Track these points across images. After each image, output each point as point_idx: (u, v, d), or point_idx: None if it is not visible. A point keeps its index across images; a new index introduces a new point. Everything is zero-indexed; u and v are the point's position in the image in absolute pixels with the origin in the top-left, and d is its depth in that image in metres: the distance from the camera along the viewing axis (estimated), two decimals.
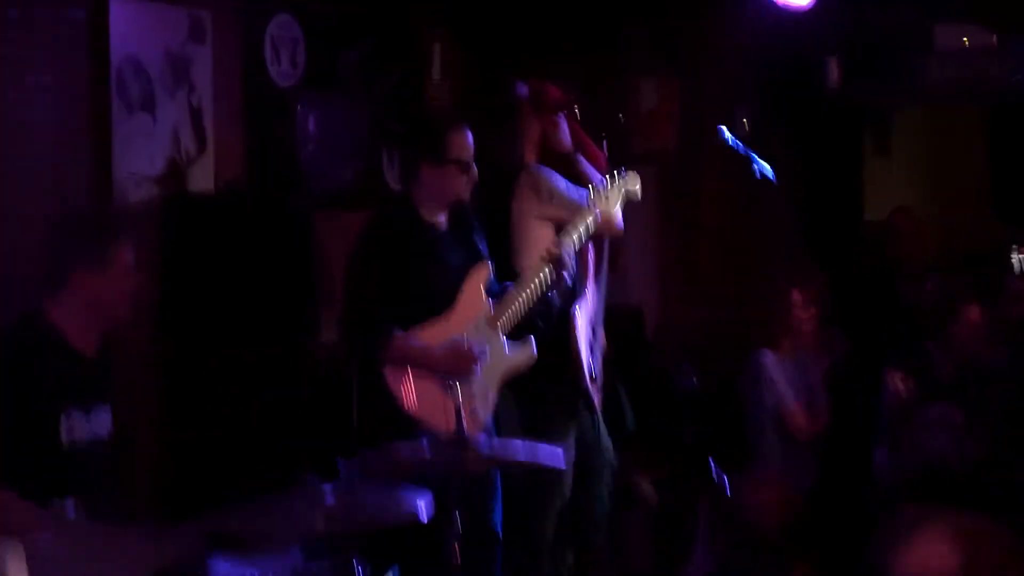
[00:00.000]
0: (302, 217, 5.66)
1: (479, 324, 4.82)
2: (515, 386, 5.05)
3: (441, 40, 7.06)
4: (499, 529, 4.93)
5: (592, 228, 5.04)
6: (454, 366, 4.70)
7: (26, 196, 4.92)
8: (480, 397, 4.79)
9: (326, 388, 5.33)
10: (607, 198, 5.10)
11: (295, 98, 6.13)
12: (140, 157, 5.43)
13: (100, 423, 3.98)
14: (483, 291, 4.88)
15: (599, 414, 5.41)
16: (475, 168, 4.86)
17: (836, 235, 7.34)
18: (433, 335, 4.76)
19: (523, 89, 5.43)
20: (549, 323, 5.10)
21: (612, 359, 5.54)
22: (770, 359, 6.03)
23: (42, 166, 5.05)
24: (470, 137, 4.87)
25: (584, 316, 5.31)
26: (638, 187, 5.24)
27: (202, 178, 5.68)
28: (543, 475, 5.03)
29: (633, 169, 5.33)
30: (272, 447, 5.15)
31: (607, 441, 5.47)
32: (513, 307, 4.87)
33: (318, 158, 6.19)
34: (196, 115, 5.68)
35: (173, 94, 5.58)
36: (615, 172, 5.21)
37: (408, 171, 4.94)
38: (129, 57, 5.38)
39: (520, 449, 4.22)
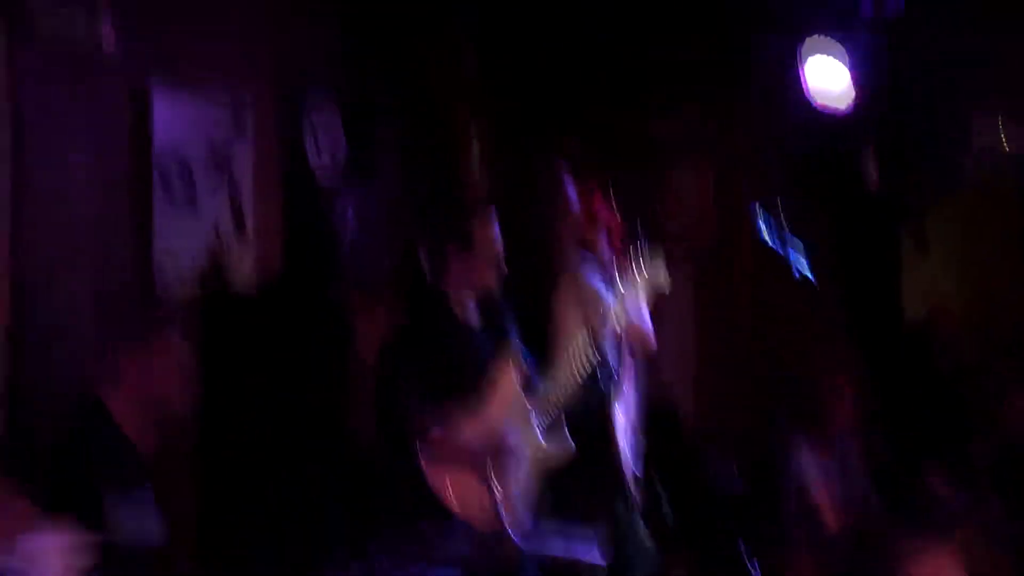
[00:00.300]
0: (340, 306, 5.69)
1: (513, 416, 4.80)
2: (551, 483, 5.04)
3: (478, 131, 7.11)
4: None
5: (622, 320, 5.04)
6: (493, 459, 4.68)
7: (68, 283, 4.96)
8: (518, 490, 4.76)
9: (359, 472, 5.32)
10: (634, 284, 5.11)
11: (334, 189, 6.18)
12: (181, 247, 5.48)
13: (143, 513, 3.97)
14: (516, 382, 4.86)
15: (637, 513, 5.38)
16: (502, 256, 4.87)
17: (876, 329, 7.31)
18: (468, 428, 4.74)
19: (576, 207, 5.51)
20: (589, 420, 5.10)
21: (650, 457, 5.52)
22: (805, 449, 5.97)
23: (83, 258, 5.10)
24: (497, 225, 4.89)
25: (624, 414, 5.31)
26: (664, 279, 5.23)
27: (242, 268, 5.72)
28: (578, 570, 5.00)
29: (669, 265, 5.34)
30: (305, 529, 5.14)
31: (646, 541, 5.44)
32: (549, 399, 4.86)
33: (357, 248, 6.23)
34: (237, 207, 5.74)
35: (214, 187, 5.64)
36: (641, 265, 5.22)
37: (437, 261, 4.95)
38: (172, 151, 5.45)
39: (557, 544, 4.19)
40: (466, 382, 4.78)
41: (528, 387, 4.88)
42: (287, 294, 5.60)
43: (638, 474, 5.31)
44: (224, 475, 5.33)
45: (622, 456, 5.23)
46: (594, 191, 5.49)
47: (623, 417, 5.29)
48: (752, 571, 3.90)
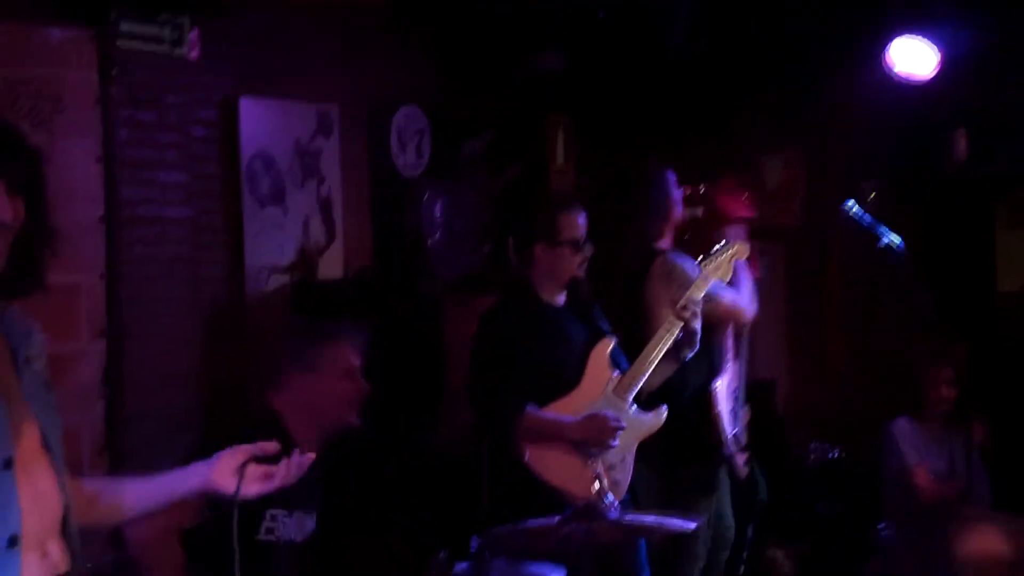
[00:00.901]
0: (430, 302, 5.73)
1: (607, 395, 4.86)
2: (655, 460, 5.10)
3: (563, 126, 7.15)
4: None
5: (703, 294, 5.08)
6: (594, 436, 4.74)
7: (160, 287, 5.06)
8: (618, 464, 4.82)
9: (457, 467, 5.36)
10: (719, 267, 5.16)
11: (421, 187, 6.23)
12: (271, 248, 5.55)
13: (298, 527, 3.94)
14: (608, 363, 4.92)
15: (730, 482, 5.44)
16: (588, 247, 4.94)
17: (970, 308, 7.22)
18: (562, 410, 4.80)
19: (698, 211, 5.57)
20: (689, 396, 5.15)
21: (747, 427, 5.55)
22: (906, 427, 5.91)
23: (178, 259, 5.20)
24: (582, 217, 4.96)
25: (726, 389, 5.36)
26: (747, 255, 5.30)
27: (332, 266, 5.79)
28: (678, 543, 5.02)
29: (760, 244, 5.38)
30: (405, 528, 5.18)
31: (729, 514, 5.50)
32: (640, 375, 4.91)
33: (444, 244, 6.27)
34: (325, 206, 5.81)
35: (302, 186, 5.71)
36: (724, 242, 5.29)
37: (524, 253, 5.02)
38: (260, 152, 5.52)
39: (651, 517, 4.21)
40: (558, 365, 4.85)
41: (619, 366, 4.94)
42: (377, 290, 5.64)
43: (740, 441, 5.37)
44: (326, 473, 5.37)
45: (723, 427, 5.29)
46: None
47: (724, 392, 5.35)
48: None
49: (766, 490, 5.72)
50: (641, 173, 5.64)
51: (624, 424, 4.82)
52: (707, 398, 5.31)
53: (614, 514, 3.95)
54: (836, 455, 6.16)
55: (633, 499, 4.99)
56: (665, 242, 5.48)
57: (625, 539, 4.45)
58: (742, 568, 5.77)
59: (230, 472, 2.81)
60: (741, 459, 5.41)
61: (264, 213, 5.52)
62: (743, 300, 5.46)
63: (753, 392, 5.60)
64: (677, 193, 5.54)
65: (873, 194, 6.67)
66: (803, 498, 6.19)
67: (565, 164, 7.16)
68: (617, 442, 4.80)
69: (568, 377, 4.85)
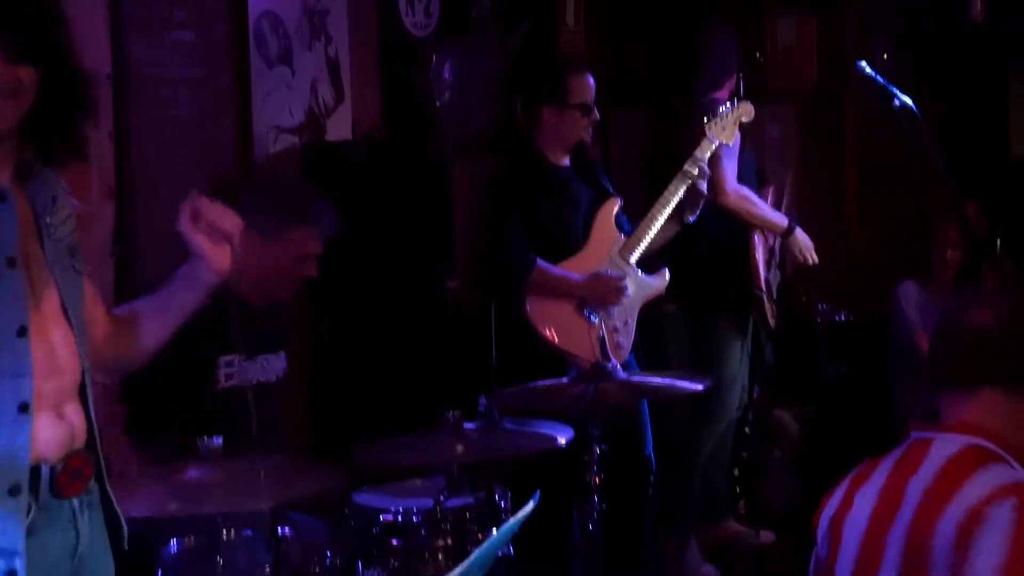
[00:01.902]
0: (439, 164, 5.71)
1: (612, 257, 4.90)
2: (687, 307, 5.18)
3: None
4: (651, 456, 5.00)
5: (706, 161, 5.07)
6: (600, 295, 4.79)
7: (169, 147, 5.04)
8: (622, 328, 4.86)
9: (465, 329, 5.39)
10: (724, 128, 5.14)
11: (430, 47, 6.18)
12: (279, 110, 5.52)
13: (264, 369, 4.05)
14: (613, 225, 4.94)
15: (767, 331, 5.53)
16: (596, 111, 4.92)
17: (982, 170, 7.18)
18: (568, 267, 4.84)
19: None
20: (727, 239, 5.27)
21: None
22: (913, 290, 5.92)
23: (186, 121, 5.17)
24: (591, 80, 4.94)
25: (763, 238, 5.41)
26: (751, 115, 5.28)
27: (340, 128, 5.76)
28: (705, 397, 5.09)
29: (772, 106, 5.38)
30: (414, 387, 5.22)
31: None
32: (644, 237, 4.92)
33: (454, 105, 6.23)
34: (333, 66, 5.76)
35: (310, 46, 5.66)
36: (730, 102, 5.26)
37: (531, 115, 5.00)
38: (266, 11, 5.46)
39: (659, 377, 4.26)
40: (565, 226, 4.87)
41: (623, 228, 4.96)
42: (385, 151, 5.62)
43: (773, 292, 5.43)
44: (329, 333, 5.41)
45: (760, 269, 5.35)
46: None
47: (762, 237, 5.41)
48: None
49: (773, 352, 5.77)
50: (702, 32, 5.63)
51: (628, 285, 4.85)
52: (745, 244, 5.38)
53: (622, 374, 4.00)
54: (843, 318, 6.19)
55: (658, 353, 5.08)
56: (722, 97, 5.47)
57: (634, 400, 4.50)
58: (747, 430, 5.85)
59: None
60: (770, 308, 5.47)
61: (272, 74, 5.48)
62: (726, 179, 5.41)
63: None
64: (733, 46, 5.53)
65: (886, 55, 6.61)
66: (810, 360, 6.23)
67: (576, 25, 7.08)
68: (624, 300, 4.84)
69: (574, 239, 4.89)
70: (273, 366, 4.09)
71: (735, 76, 5.59)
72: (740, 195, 5.40)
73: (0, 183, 2.52)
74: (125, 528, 2.71)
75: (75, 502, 2.58)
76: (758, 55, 6.93)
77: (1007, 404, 2.67)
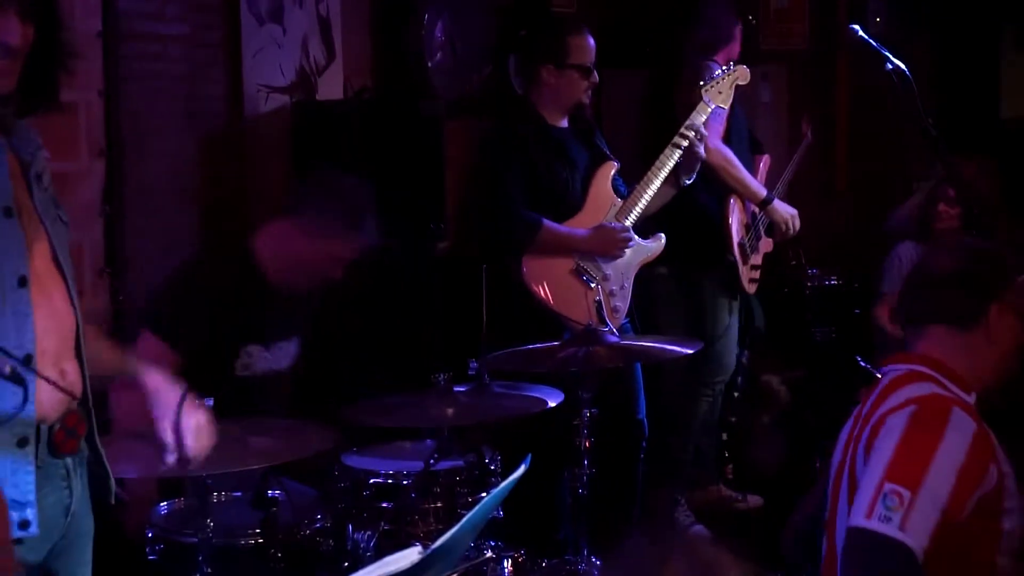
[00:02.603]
0: (431, 123, 5.68)
1: (609, 219, 4.87)
2: (675, 269, 5.18)
3: None
4: (644, 419, 5.01)
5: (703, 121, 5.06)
6: (604, 246, 4.77)
7: (159, 106, 5.01)
8: (618, 291, 4.86)
9: (457, 289, 5.38)
10: (720, 92, 5.12)
11: (422, 5, 6.13)
12: (270, 68, 5.48)
13: (279, 357, 4.06)
14: (610, 188, 4.92)
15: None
16: (596, 73, 4.89)
17: (975, 129, 7.18)
18: (563, 228, 4.83)
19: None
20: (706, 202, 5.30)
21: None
22: (908, 249, 5.87)
23: (176, 78, 5.14)
24: (591, 41, 4.90)
25: (740, 202, 5.42)
26: (747, 79, 5.26)
27: (331, 87, 5.73)
28: (699, 357, 5.11)
29: (765, 68, 5.35)
30: (404, 348, 5.22)
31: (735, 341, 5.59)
32: (640, 200, 4.91)
33: (446, 64, 6.19)
34: (324, 24, 5.72)
35: (301, 4, 5.61)
36: (726, 65, 5.24)
37: (529, 75, 4.97)
38: None
39: (651, 340, 4.27)
40: (563, 187, 4.84)
41: (619, 191, 4.94)
42: (376, 111, 5.59)
43: (748, 252, 5.44)
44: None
45: (732, 233, 5.36)
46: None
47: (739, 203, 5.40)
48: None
49: (763, 317, 5.78)
50: None
51: (633, 236, 4.84)
52: (723, 206, 5.38)
53: (613, 338, 4.01)
54: (833, 282, 6.19)
55: (652, 316, 5.07)
56: (716, 62, 5.44)
57: (625, 363, 4.50)
58: (737, 394, 5.86)
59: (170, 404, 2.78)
60: (748, 273, 5.47)
61: (263, 31, 5.44)
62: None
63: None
64: (729, 9, 5.50)
65: (879, 19, 6.60)
66: (799, 324, 6.23)
67: None
68: (615, 267, 4.83)
69: (572, 200, 4.86)
70: (287, 353, 4.07)
71: (730, 42, 5.56)
72: (721, 154, 5.39)
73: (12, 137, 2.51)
74: (113, 484, 2.71)
75: (69, 461, 2.58)
76: (750, 17, 6.91)
77: (954, 339, 2.96)
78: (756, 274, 5.55)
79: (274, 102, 5.48)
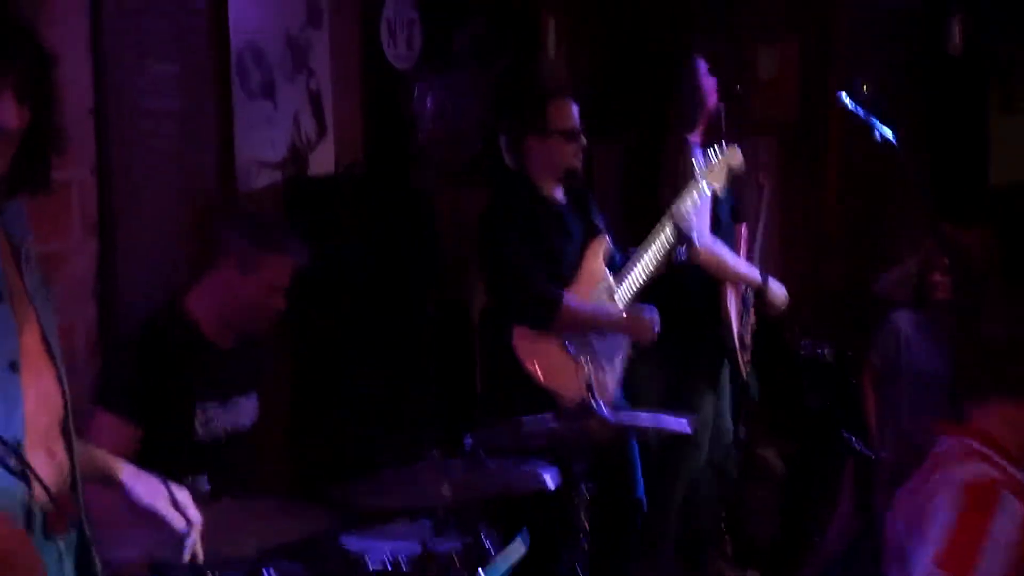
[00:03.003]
0: (423, 196, 5.70)
1: (599, 295, 4.87)
2: (658, 357, 5.15)
3: (555, 16, 7.06)
4: (642, 497, 4.98)
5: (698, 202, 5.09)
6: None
7: (152, 182, 5.01)
8: (608, 367, 4.84)
9: (450, 360, 5.38)
10: (714, 171, 5.17)
11: (412, 79, 6.17)
12: (262, 142, 5.49)
13: (239, 413, 4.02)
14: (602, 263, 4.92)
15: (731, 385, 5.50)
16: (583, 137, 4.90)
17: (965, 194, 7.20)
18: None
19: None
20: (699, 292, 5.19)
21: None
22: (906, 320, 5.81)
23: (167, 153, 5.14)
24: (573, 106, 4.92)
25: (734, 289, 5.39)
26: (741, 161, 5.30)
27: (323, 161, 5.74)
28: (677, 439, 5.09)
29: (754, 138, 5.37)
30: (397, 423, 5.20)
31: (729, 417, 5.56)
32: (632, 277, 4.91)
33: (437, 137, 6.22)
34: (315, 99, 5.74)
35: (293, 79, 5.64)
36: (719, 146, 5.27)
37: (516, 146, 4.97)
38: (249, 43, 5.43)
39: (645, 417, 4.25)
40: (559, 262, 4.84)
41: (613, 264, 4.95)
42: (368, 182, 5.61)
43: (746, 342, 5.41)
44: (310, 369, 5.39)
45: (732, 322, 5.34)
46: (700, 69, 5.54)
47: (733, 289, 5.39)
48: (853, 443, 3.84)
49: (757, 389, 5.76)
50: (671, 61, 5.61)
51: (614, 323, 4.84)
52: (717, 296, 5.35)
53: (607, 413, 3.99)
54: (824, 353, 6.18)
55: (630, 398, 5.03)
56: (696, 136, 5.45)
57: (619, 438, 4.49)
58: (732, 469, 5.84)
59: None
60: (744, 357, 5.46)
61: (254, 106, 5.46)
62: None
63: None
64: (709, 82, 5.49)
65: (866, 86, 6.63)
66: (793, 396, 6.23)
67: (557, 55, 7.09)
68: (616, 363, 4.84)
69: (565, 275, 4.85)
70: (246, 410, 4.06)
71: (710, 116, 5.55)
72: (712, 252, 5.36)
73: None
74: (99, 567, 2.68)
75: (61, 544, 2.56)
76: (738, 87, 6.95)
77: (1014, 412, 2.87)
78: (749, 355, 5.53)
79: (266, 177, 5.49)
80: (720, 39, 7.04)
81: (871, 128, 5.61)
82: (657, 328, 4.83)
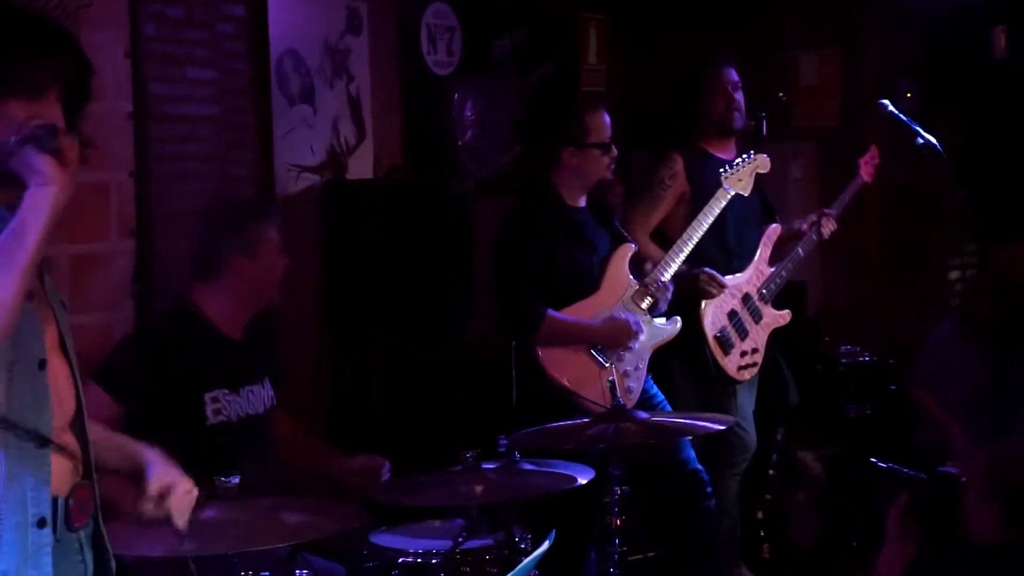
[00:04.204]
0: (461, 202, 5.70)
1: (625, 302, 4.89)
2: (687, 359, 5.12)
3: (596, 24, 7.07)
4: (701, 468, 4.97)
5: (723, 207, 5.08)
6: (613, 339, 4.77)
7: (191, 187, 5.03)
8: (632, 372, 4.84)
9: (486, 369, 5.37)
10: (740, 179, 5.15)
11: (451, 85, 6.18)
12: (301, 148, 5.52)
13: (251, 401, 4.04)
14: (627, 270, 4.93)
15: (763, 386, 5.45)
16: (615, 148, 4.91)
17: (1006, 210, 7.12)
18: (580, 314, 4.82)
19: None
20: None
21: (776, 334, 5.51)
22: (947, 330, 5.71)
23: (206, 158, 5.17)
24: (607, 118, 4.92)
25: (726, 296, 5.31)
26: (768, 168, 5.27)
27: (361, 166, 5.76)
28: (724, 437, 5.05)
29: (796, 145, 5.34)
30: (433, 427, 5.19)
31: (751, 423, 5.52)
32: (657, 283, 4.91)
33: (475, 144, 6.23)
34: (354, 105, 5.76)
35: (332, 85, 5.67)
36: (746, 154, 5.25)
37: (552, 158, 4.96)
38: (288, 50, 5.47)
39: (679, 417, 4.23)
40: (581, 269, 4.85)
41: (639, 271, 4.95)
42: (406, 190, 5.61)
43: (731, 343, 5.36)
44: (347, 372, 5.39)
45: (706, 330, 5.28)
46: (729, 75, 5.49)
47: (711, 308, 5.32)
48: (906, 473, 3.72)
49: (797, 393, 5.71)
50: (697, 71, 5.57)
51: (643, 329, 4.83)
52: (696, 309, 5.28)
53: (642, 415, 3.97)
54: (867, 358, 6.12)
55: (672, 400, 5.03)
56: (716, 146, 5.43)
57: (657, 440, 4.45)
58: (772, 472, 5.78)
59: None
60: (733, 361, 5.33)
61: (293, 112, 5.49)
62: None
63: (784, 294, 5.55)
64: (728, 95, 5.45)
65: (909, 93, 6.58)
66: (834, 401, 6.17)
67: (597, 63, 7.09)
68: (636, 345, 4.82)
69: (589, 282, 4.87)
70: (259, 397, 4.08)
71: (733, 127, 5.49)
72: None
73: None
74: (113, 562, 2.70)
75: (81, 534, 2.60)
76: (780, 94, 6.92)
77: None
78: (749, 359, 5.41)
79: (304, 181, 5.51)
80: (762, 46, 7.03)
81: (914, 135, 5.57)
82: (637, 334, 4.81)
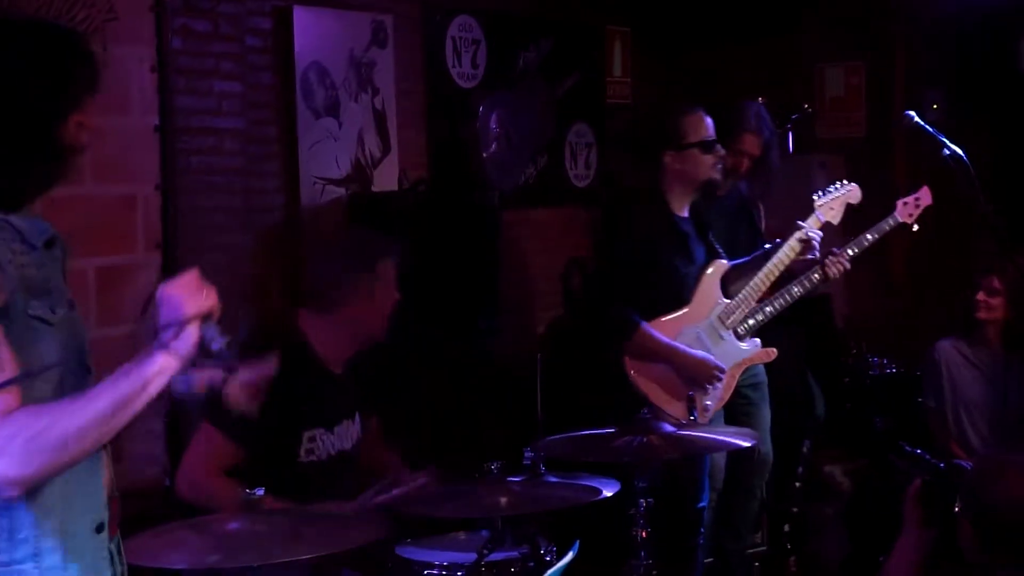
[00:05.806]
0: (486, 215, 5.70)
1: (711, 320, 4.85)
2: None
3: (621, 37, 7.07)
4: (704, 508, 4.94)
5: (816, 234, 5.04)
6: (697, 375, 4.75)
7: (217, 200, 5.05)
8: (711, 390, 4.81)
9: (511, 381, 5.36)
10: (832, 208, 5.12)
11: (476, 98, 6.19)
12: (326, 161, 5.54)
13: (343, 438, 3.98)
14: (718, 287, 4.89)
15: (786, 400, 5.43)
16: (720, 147, 4.87)
17: None
18: (666, 327, 4.78)
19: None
20: None
21: (801, 348, 5.49)
22: (948, 347, 5.66)
23: (232, 171, 5.19)
24: (707, 118, 4.87)
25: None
26: (859, 199, 5.24)
27: (387, 179, 5.76)
28: (744, 455, 5.03)
29: (820, 156, 5.31)
30: (458, 437, 5.19)
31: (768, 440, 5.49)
32: (746, 306, 4.89)
33: (500, 156, 6.23)
34: (380, 118, 5.77)
35: (357, 98, 5.68)
36: (841, 183, 5.23)
37: (653, 166, 4.90)
38: (314, 63, 5.49)
39: (705, 432, 4.21)
40: (679, 283, 4.82)
41: (728, 291, 4.91)
42: (432, 202, 5.62)
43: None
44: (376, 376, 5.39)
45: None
46: None
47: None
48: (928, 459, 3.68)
49: (824, 406, 5.68)
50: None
51: (724, 377, 4.81)
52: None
53: (668, 428, 3.95)
54: (894, 370, 6.08)
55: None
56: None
57: (681, 453, 4.43)
58: (798, 484, 5.75)
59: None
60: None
61: (319, 124, 5.50)
62: None
63: (810, 307, 5.52)
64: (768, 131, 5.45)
65: (935, 105, 6.56)
66: (860, 413, 6.14)
67: (623, 75, 7.09)
68: (718, 387, 4.80)
69: (683, 295, 4.83)
70: (350, 433, 4.02)
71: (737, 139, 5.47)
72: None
73: (53, 229, 2.52)
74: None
75: (111, 545, 2.59)
76: (806, 106, 6.90)
77: None
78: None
79: (330, 194, 5.52)
80: (787, 58, 7.02)
81: (940, 147, 5.54)
82: (718, 380, 4.79)
